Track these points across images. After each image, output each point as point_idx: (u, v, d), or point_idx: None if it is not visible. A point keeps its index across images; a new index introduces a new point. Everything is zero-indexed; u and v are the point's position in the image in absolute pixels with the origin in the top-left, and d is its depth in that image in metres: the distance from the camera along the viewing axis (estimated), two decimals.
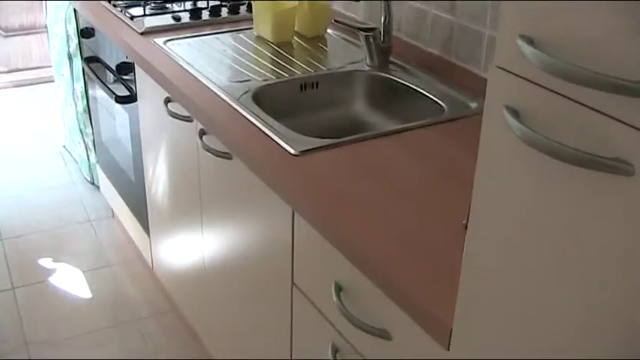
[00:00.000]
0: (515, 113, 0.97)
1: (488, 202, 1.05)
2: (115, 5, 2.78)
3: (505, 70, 0.98)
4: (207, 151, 1.96)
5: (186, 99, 2.04)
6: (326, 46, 2.43)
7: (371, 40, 2.20)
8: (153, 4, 2.72)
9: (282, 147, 1.71)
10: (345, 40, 2.46)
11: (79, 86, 3.43)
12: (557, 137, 0.90)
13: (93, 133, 3.46)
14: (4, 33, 5.14)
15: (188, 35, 2.48)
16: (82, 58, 3.27)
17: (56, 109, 4.15)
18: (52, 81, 4.02)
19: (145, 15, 2.63)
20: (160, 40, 2.42)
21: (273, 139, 1.74)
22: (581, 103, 0.88)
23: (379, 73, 2.20)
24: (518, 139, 0.94)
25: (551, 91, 0.91)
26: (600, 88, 0.83)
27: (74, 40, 3.33)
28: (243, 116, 1.87)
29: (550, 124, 0.92)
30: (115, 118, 2.94)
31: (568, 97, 0.90)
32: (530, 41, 0.93)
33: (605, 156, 0.84)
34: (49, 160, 4.17)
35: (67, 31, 3.37)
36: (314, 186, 1.55)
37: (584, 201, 0.89)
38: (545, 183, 0.94)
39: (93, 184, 3.81)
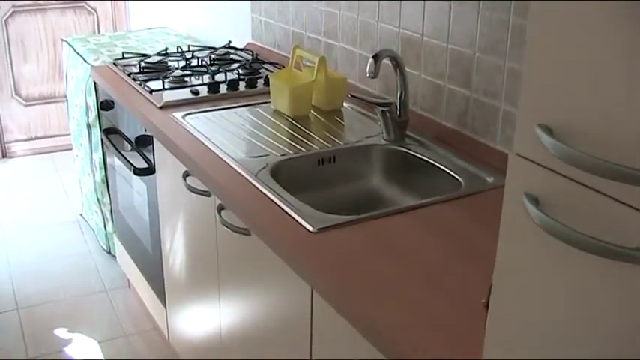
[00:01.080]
0: (535, 201, 0.97)
1: (509, 286, 1.05)
2: (134, 79, 2.82)
3: (524, 158, 0.99)
4: (225, 226, 1.97)
5: (204, 174, 2.05)
6: (343, 120, 2.45)
7: (387, 114, 2.23)
8: (172, 78, 2.76)
9: (300, 224, 1.71)
10: (362, 113, 2.48)
11: (98, 156, 3.47)
12: (577, 225, 0.90)
13: (110, 203, 3.48)
14: (24, 102, 5.22)
15: (206, 109, 2.51)
16: (101, 129, 3.31)
17: (74, 178, 4.19)
18: (71, 149, 4.06)
19: (163, 89, 2.67)
20: (178, 114, 2.45)
21: (291, 216, 1.75)
22: (602, 193, 0.88)
23: (396, 147, 2.21)
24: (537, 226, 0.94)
25: (571, 179, 0.92)
26: (619, 179, 0.83)
27: (93, 112, 3.38)
28: (262, 192, 1.88)
29: (570, 212, 0.93)
30: (133, 187, 2.97)
31: (588, 187, 0.90)
32: (549, 131, 0.94)
33: (625, 245, 0.84)
34: (66, 228, 4.19)
35: (86, 103, 3.42)
36: (332, 264, 1.55)
37: (604, 287, 0.89)
38: (565, 268, 0.94)
39: (109, 253, 3.82)
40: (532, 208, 0.96)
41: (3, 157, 5.29)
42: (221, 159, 2.10)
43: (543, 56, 0.95)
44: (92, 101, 3.36)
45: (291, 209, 1.77)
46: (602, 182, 0.86)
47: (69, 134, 4.01)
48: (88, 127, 3.49)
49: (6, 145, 5.29)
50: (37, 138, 5.33)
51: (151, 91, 2.65)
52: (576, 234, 0.89)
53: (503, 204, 1.03)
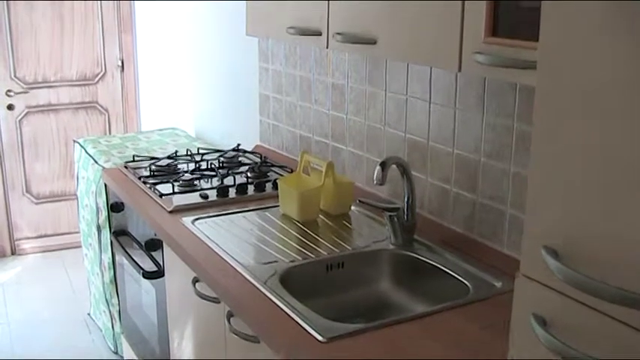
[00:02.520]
0: (543, 322, 0.98)
1: None
2: (144, 182, 2.87)
3: (531, 278, 1.00)
4: (235, 333, 1.97)
5: (213, 281, 2.07)
6: (351, 224, 2.47)
7: (395, 219, 2.25)
8: (181, 182, 2.80)
9: (309, 333, 1.71)
10: (369, 217, 2.51)
11: (107, 257, 3.49)
12: (583, 346, 0.91)
13: (119, 303, 3.48)
14: (35, 200, 5.27)
15: (215, 214, 2.54)
16: (110, 230, 3.34)
17: (82, 276, 4.20)
18: (80, 246, 4.08)
19: (173, 193, 2.71)
20: (188, 219, 2.48)
21: (301, 325, 1.75)
22: (608, 315, 0.89)
23: (404, 252, 2.23)
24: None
25: (578, 301, 0.93)
26: (625, 304, 0.85)
27: (103, 213, 3.42)
28: (271, 300, 1.89)
29: (578, 334, 0.94)
30: (142, 289, 2.97)
31: (594, 309, 0.91)
32: (555, 253, 0.95)
33: None
34: (74, 326, 4.17)
35: (97, 204, 3.46)
36: None
37: None
38: None
39: (116, 353, 3.80)
40: (540, 330, 0.97)
41: (12, 254, 5.31)
42: (230, 265, 2.11)
43: (548, 179, 0.97)
44: (102, 203, 3.40)
45: (301, 318, 1.78)
46: (609, 304, 0.88)
47: (78, 232, 4.04)
48: (98, 227, 3.52)
49: (15, 243, 5.32)
50: (46, 235, 5.35)
51: (161, 195, 2.68)
52: (584, 357, 0.90)
53: (511, 324, 1.04)
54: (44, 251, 5.33)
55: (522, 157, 2.00)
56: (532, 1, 1.40)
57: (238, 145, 3.40)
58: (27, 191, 5.26)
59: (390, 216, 2.25)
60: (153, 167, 3.03)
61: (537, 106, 1.03)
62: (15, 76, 5.05)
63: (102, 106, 5.31)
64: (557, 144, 0.98)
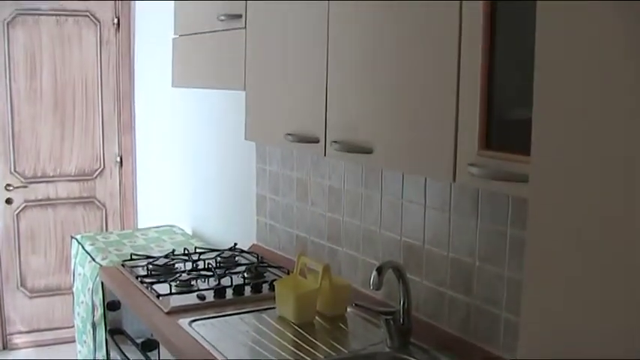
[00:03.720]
0: None
1: None
2: (142, 281, 2.88)
3: None
4: None
5: None
6: (347, 326, 2.49)
7: (391, 322, 2.26)
8: (178, 282, 2.82)
9: None
10: (366, 319, 2.52)
11: (101, 355, 3.47)
12: None
13: None
14: (29, 294, 5.26)
15: (212, 315, 2.55)
16: (106, 329, 3.33)
17: None
18: (73, 342, 4.05)
19: (170, 294, 2.72)
20: (184, 321, 2.49)
21: None
22: None
23: (400, 355, 2.23)
24: None
25: None
26: None
27: (99, 311, 3.42)
28: None
29: None
30: None
31: None
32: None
33: None
34: None
35: (92, 301, 3.46)
36: None
37: None
38: None
39: None
40: None
41: (4, 348, 5.26)
42: None
43: (541, 287, 1.00)
44: (98, 300, 3.40)
45: None
46: None
47: (72, 327, 4.02)
48: (93, 325, 3.51)
49: (7, 337, 5.27)
50: (39, 330, 5.31)
51: (158, 296, 2.70)
52: None
53: None
54: (37, 346, 5.28)
55: (517, 262, 2.03)
56: (523, 113, 1.46)
57: (235, 244, 3.43)
58: (22, 285, 5.25)
59: (386, 319, 2.27)
60: (150, 266, 3.05)
61: (530, 225, 1.07)
62: (15, 170, 5.11)
63: (99, 202, 5.35)
64: (551, 256, 1.01)
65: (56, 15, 5.08)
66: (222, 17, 2.69)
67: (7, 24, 4.98)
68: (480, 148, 1.61)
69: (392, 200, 2.52)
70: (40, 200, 5.21)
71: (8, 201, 5.12)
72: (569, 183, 0.99)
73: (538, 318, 1.03)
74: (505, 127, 1.60)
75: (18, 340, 5.29)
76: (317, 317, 2.53)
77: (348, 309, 2.59)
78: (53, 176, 5.22)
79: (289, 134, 2.29)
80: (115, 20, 5.19)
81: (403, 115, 1.83)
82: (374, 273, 2.13)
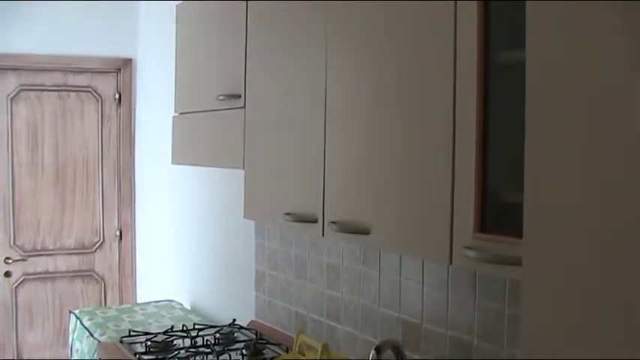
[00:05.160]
0: None
1: None
2: (140, 359, 2.87)
3: None
4: None
5: None
6: None
7: None
8: (177, 359, 2.81)
9: None
10: None
11: None
12: None
13: None
14: None
15: None
16: None
17: None
18: None
19: None
20: None
21: None
22: None
23: None
24: None
25: None
26: None
27: None
28: None
29: None
30: None
31: None
32: None
33: None
34: None
35: None
36: None
37: None
38: None
39: None
40: None
41: None
42: None
43: None
44: None
45: None
46: None
47: None
48: None
49: None
50: None
51: None
52: None
53: None
54: None
55: (515, 339, 2.03)
56: (517, 197, 1.48)
57: (234, 320, 3.42)
58: (18, 358, 5.20)
59: None
60: (149, 343, 3.04)
61: (524, 308, 1.09)
62: (14, 243, 5.12)
63: (98, 275, 5.34)
64: (547, 336, 1.03)
65: (59, 90, 5.16)
66: (222, 97, 2.74)
67: (11, 99, 5.05)
68: (475, 230, 1.63)
69: (390, 278, 2.53)
70: (40, 273, 5.21)
71: (7, 274, 5.11)
72: (562, 264, 1.01)
73: None
74: (500, 210, 1.62)
75: None
76: None
77: None
78: (53, 249, 5.22)
79: (287, 214, 2.31)
80: (117, 96, 5.26)
81: (400, 198, 1.86)
82: (372, 352, 2.13)
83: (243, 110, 2.64)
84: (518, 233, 1.47)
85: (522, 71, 1.08)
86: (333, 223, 2.08)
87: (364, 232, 1.97)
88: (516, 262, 1.46)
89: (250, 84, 2.61)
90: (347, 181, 2.07)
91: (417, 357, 2.40)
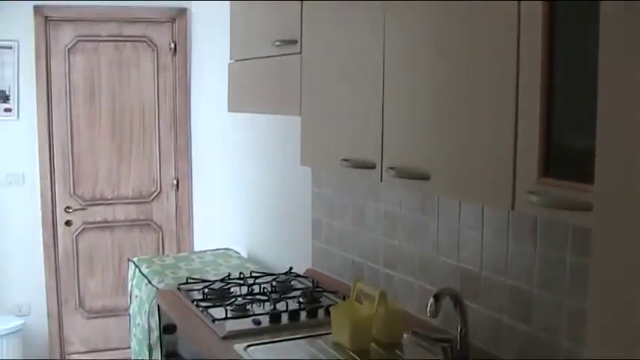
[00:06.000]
0: None
1: None
2: (197, 305, 2.89)
3: None
4: None
5: None
6: (403, 353, 2.46)
7: (448, 349, 2.23)
8: (234, 306, 2.82)
9: None
10: (421, 346, 2.48)
11: None
12: None
13: None
14: (87, 314, 5.33)
15: (267, 340, 2.55)
16: (162, 353, 3.34)
17: None
18: None
19: (226, 318, 2.72)
20: (240, 346, 2.49)
21: None
22: None
23: None
24: None
25: None
26: None
27: (155, 333, 3.44)
28: None
29: None
30: None
31: None
32: None
33: None
34: None
35: (149, 324, 3.48)
36: None
37: None
38: None
39: None
40: None
41: None
42: None
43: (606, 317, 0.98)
44: (155, 323, 3.42)
45: None
46: None
47: (128, 347, 4.05)
48: (149, 347, 3.53)
49: (66, 357, 5.35)
50: (96, 350, 5.38)
51: (214, 320, 2.70)
52: None
53: None
54: None
55: (577, 289, 1.99)
56: (585, 140, 1.43)
57: (290, 268, 3.43)
58: (80, 306, 5.33)
59: (443, 347, 2.24)
60: (206, 290, 3.07)
61: (594, 257, 1.05)
62: (74, 193, 5.20)
63: (156, 224, 5.41)
64: (615, 284, 0.99)
65: (115, 41, 5.18)
66: (278, 43, 2.70)
67: (68, 50, 5.09)
68: (539, 175, 1.58)
69: (448, 225, 2.49)
70: (99, 222, 5.30)
71: (67, 223, 5.21)
72: (634, 212, 0.97)
73: (602, 346, 1.00)
74: (564, 154, 1.57)
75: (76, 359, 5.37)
76: (372, 344, 2.51)
77: (404, 335, 2.56)
78: (111, 199, 5.30)
79: (345, 160, 2.28)
80: (172, 45, 5.26)
81: (461, 142, 1.81)
82: (431, 300, 2.11)
83: (299, 56, 2.60)
84: (583, 178, 1.43)
85: (592, 10, 1.03)
86: (392, 168, 2.05)
87: (423, 177, 1.93)
88: (582, 207, 1.42)
89: (307, 29, 2.57)
90: (406, 126, 2.03)
91: (476, 306, 2.37)
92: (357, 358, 2.40)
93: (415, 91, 1.99)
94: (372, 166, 2.18)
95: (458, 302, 2.23)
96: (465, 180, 1.81)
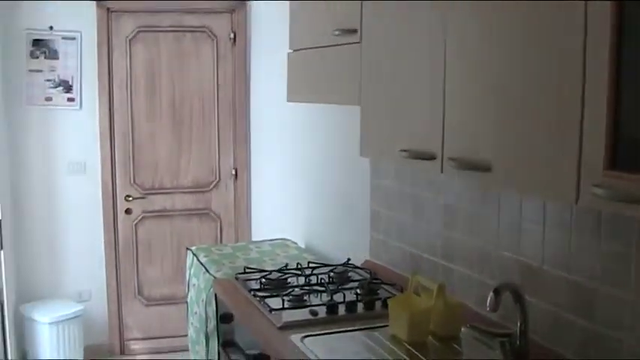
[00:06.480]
0: None
1: None
2: (254, 295, 2.90)
3: None
4: None
5: None
6: (460, 347, 2.43)
7: (507, 344, 2.20)
8: (291, 297, 2.82)
9: None
10: (480, 341, 2.45)
11: None
12: None
13: None
14: (145, 302, 5.41)
15: (324, 332, 2.54)
16: (219, 341, 3.36)
17: None
18: (186, 349, 4.12)
19: (283, 308, 2.73)
20: (297, 337, 2.48)
21: None
22: None
23: None
24: None
25: None
26: None
27: (212, 322, 3.46)
28: None
29: None
30: None
31: None
32: None
33: None
34: None
35: (206, 313, 3.51)
36: None
37: None
38: None
39: None
40: None
41: (121, 353, 5.43)
42: None
43: None
44: (212, 312, 3.44)
45: None
46: None
47: (185, 335, 4.09)
48: (206, 336, 3.56)
49: (125, 343, 5.44)
50: (154, 337, 5.45)
51: (271, 310, 2.71)
52: None
53: None
54: (152, 352, 5.42)
55: None
56: None
57: (348, 259, 3.41)
58: (139, 293, 5.41)
59: (502, 342, 2.20)
60: (263, 280, 3.08)
61: None
62: (134, 182, 5.27)
63: (214, 213, 5.45)
64: None
65: (175, 31, 5.22)
66: (337, 32, 2.69)
67: (129, 41, 5.15)
68: (605, 168, 1.54)
69: (510, 218, 2.45)
70: (158, 211, 5.37)
71: (127, 211, 5.29)
72: None
73: None
74: (632, 147, 1.52)
75: (134, 346, 5.46)
76: (430, 337, 2.49)
77: (462, 329, 2.53)
78: (170, 188, 5.36)
79: (405, 150, 2.26)
80: (232, 35, 5.28)
81: (524, 134, 1.77)
82: (491, 294, 2.07)
83: (359, 45, 2.58)
84: None
85: None
86: (452, 159, 2.01)
87: (485, 168, 1.90)
88: None
89: (367, 18, 2.54)
90: (468, 117, 2.00)
91: (536, 301, 2.33)
92: (414, 351, 2.38)
93: (477, 82, 1.95)
94: (433, 157, 2.14)
95: (518, 297, 2.19)
96: (528, 173, 1.77)
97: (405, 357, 2.34)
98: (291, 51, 3.22)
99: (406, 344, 2.43)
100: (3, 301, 4.58)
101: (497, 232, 2.51)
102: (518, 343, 2.20)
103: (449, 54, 2.06)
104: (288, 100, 3.30)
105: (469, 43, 1.98)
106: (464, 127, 2.02)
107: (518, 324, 2.20)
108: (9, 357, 4.60)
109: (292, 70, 3.22)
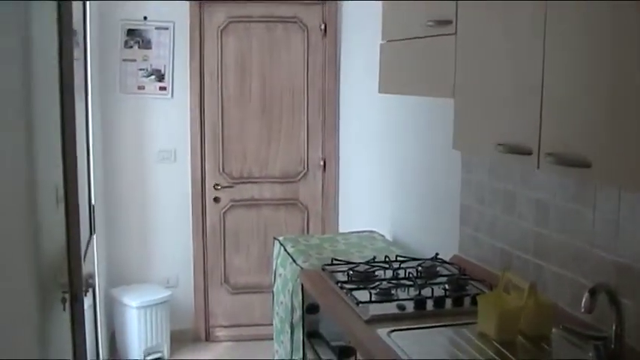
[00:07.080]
0: None
1: None
2: (341, 287, 2.89)
3: None
4: None
5: None
6: (550, 347, 2.36)
7: (601, 348, 2.13)
8: (378, 290, 2.80)
9: None
10: (571, 343, 2.38)
11: (298, 356, 3.52)
12: None
13: None
14: (231, 290, 5.47)
15: (411, 326, 2.51)
16: (304, 332, 3.37)
17: None
18: (271, 338, 4.13)
19: (370, 301, 2.70)
20: (383, 331, 2.46)
21: None
22: None
23: None
24: None
25: None
26: None
27: (298, 312, 3.46)
28: None
29: None
30: None
31: None
32: None
33: None
34: None
35: (292, 303, 3.51)
36: None
37: None
38: None
39: None
40: None
41: (206, 340, 5.50)
42: None
43: None
44: (298, 302, 3.45)
45: None
46: None
47: (270, 324, 4.11)
48: (291, 326, 3.56)
49: (210, 330, 5.51)
50: (239, 325, 5.51)
51: (358, 303, 2.69)
52: None
53: None
54: (236, 340, 5.48)
55: None
56: None
57: (437, 254, 3.37)
58: (225, 281, 5.47)
59: (596, 345, 2.13)
60: (350, 272, 3.06)
61: None
62: (223, 171, 5.32)
63: (302, 204, 5.46)
64: None
65: (266, 21, 5.24)
66: (431, 23, 2.64)
67: (221, 31, 5.19)
68: None
69: (606, 216, 2.36)
70: (246, 200, 5.41)
71: (216, 200, 5.35)
72: None
73: None
74: None
75: (219, 333, 5.52)
76: (519, 336, 2.43)
77: (554, 330, 2.46)
78: (258, 177, 5.39)
79: (500, 145, 2.20)
80: (322, 26, 5.27)
81: (627, 127, 1.70)
82: (586, 295, 2.00)
83: (454, 37, 2.53)
84: None
85: None
86: (550, 155, 1.95)
87: (584, 165, 1.83)
88: None
89: (462, 9, 2.49)
90: (566, 111, 1.93)
91: (631, 303, 2.24)
92: (502, 349, 2.33)
93: (577, 75, 1.89)
94: (529, 152, 2.08)
95: (614, 299, 2.11)
96: (630, 168, 1.70)
97: (493, 355, 2.29)
98: (384, 42, 3.18)
99: (495, 342, 2.38)
100: (95, 284, 4.68)
101: (592, 230, 2.43)
102: (612, 347, 2.12)
103: (549, 48, 2.00)
104: (380, 92, 3.26)
105: (571, 39, 1.91)
106: (562, 122, 1.95)
107: (614, 327, 2.12)
108: (99, 337, 4.72)
109: (385, 61, 3.18)
